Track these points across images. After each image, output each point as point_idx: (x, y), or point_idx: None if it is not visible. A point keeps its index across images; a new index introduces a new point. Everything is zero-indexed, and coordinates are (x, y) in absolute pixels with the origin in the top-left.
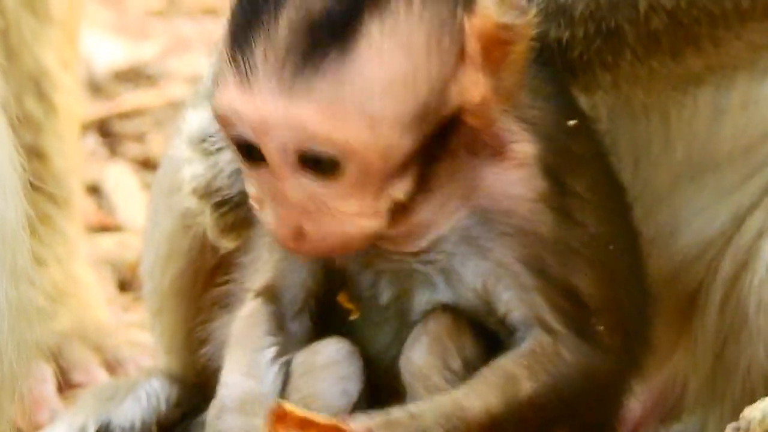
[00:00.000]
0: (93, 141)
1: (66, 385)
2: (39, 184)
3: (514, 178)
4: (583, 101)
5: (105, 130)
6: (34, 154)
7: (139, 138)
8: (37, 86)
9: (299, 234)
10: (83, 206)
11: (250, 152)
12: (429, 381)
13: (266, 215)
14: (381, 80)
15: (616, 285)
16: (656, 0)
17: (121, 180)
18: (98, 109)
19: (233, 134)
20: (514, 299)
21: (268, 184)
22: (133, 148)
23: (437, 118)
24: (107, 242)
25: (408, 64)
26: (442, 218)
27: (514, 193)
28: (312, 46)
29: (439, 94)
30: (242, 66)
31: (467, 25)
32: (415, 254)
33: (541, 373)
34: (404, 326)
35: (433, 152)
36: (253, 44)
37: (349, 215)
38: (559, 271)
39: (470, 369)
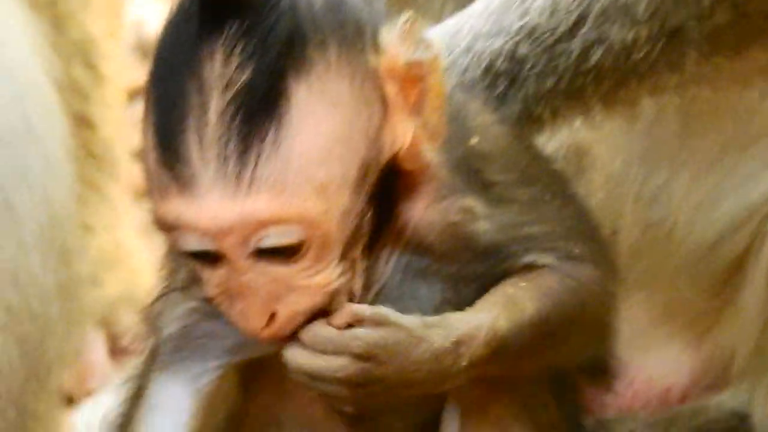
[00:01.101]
0: (142, 106)
1: (116, 351)
2: (87, 152)
3: (434, 208)
4: (649, 104)
5: None
6: (82, 123)
7: None
8: (84, 55)
9: (270, 319)
10: (132, 173)
11: (204, 256)
12: None
13: (231, 309)
14: (322, 145)
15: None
16: None
17: None
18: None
19: (182, 244)
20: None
21: (228, 281)
22: None
23: (377, 169)
24: None
25: (342, 122)
26: (379, 270)
27: (435, 220)
28: (246, 129)
29: (375, 144)
30: (180, 173)
31: (380, 69)
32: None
33: (542, 296)
34: None
35: (376, 205)
36: (188, 147)
37: (318, 287)
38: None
39: None
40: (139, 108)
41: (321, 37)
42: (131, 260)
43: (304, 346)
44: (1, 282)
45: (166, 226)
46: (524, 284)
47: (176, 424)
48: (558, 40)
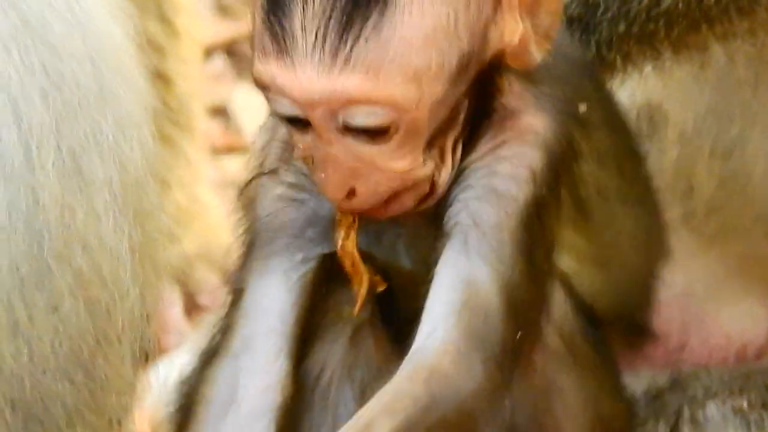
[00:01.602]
0: (220, 62)
1: (192, 308)
2: (163, 108)
3: (510, 142)
4: (719, 50)
5: (232, 51)
6: (158, 78)
7: None
8: (159, 10)
9: (351, 193)
10: (210, 128)
11: (295, 121)
12: None
13: (316, 174)
14: (423, 32)
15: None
16: None
17: (247, 101)
18: (225, 30)
19: (275, 106)
20: (432, 295)
21: (316, 148)
22: None
23: (479, 65)
24: (234, 164)
25: (448, 12)
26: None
27: (505, 154)
28: (351, 7)
29: (480, 39)
30: (281, 37)
31: None
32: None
33: (404, 409)
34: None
35: (472, 102)
36: (292, 14)
37: (400, 172)
38: (504, 248)
39: None
40: (215, 63)
41: None
42: (208, 216)
43: None
44: (71, 247)
45: (262, 85)
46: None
47: (275, 318)
48: None
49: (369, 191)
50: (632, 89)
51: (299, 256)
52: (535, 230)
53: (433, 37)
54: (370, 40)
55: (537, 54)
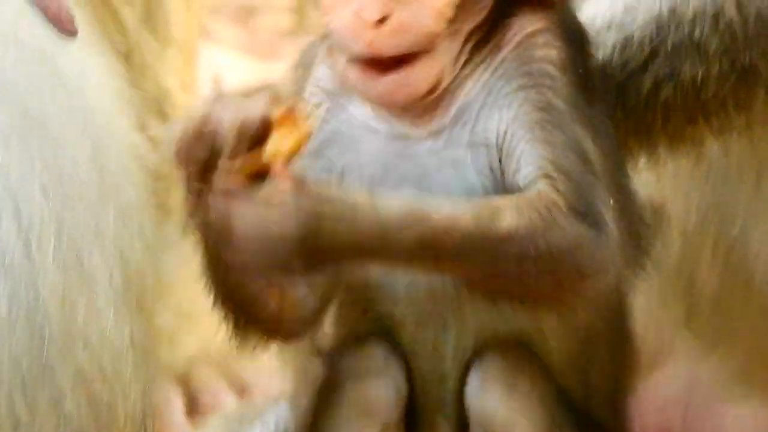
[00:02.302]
0: None
1: (194, 409)
2: (163, 207)
3: (534, 31)
4: (715, 144)
5: None
6: (158, 178)
7: None
8: (160, 108)
9: (382, 21)
10: None
11: None
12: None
13: (342, 16)
14: None
15: (619, 186)
16: None
17: None
18: None
19: None
20: (525, 154)
21: None
22: None
23: None
24: None
25: None
26: (472, 79)
27: (533, 43)
28: None
29: None
30: None
31: None
32: (436, 136)
33: (530, 213)
34: None
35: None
36: None
37: (435, 9)
38: (569, 134)
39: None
40: None
41: None
42: (210, 317)
43: (247, 204)
44: (72, 341)
45: None
46: (516, 201)
47: None
48: (629, 76)
49: (403, 21)
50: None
51: None
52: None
53: None
54: None
55: None
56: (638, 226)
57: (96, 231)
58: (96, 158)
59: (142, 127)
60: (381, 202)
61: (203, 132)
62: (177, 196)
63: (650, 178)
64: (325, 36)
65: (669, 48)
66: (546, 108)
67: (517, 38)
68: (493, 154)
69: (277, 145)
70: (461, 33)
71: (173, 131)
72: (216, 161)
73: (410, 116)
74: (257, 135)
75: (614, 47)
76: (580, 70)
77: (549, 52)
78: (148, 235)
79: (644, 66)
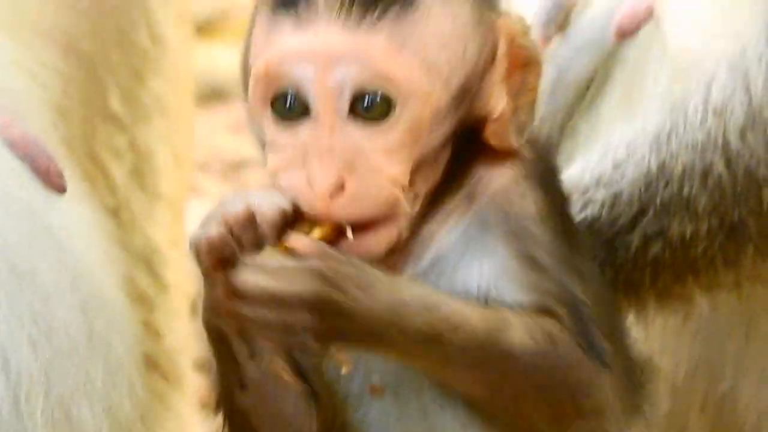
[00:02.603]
0: None
1: None
2: (152, 363)
3: (511, 181)
4: (704, 302)
5: None
6: (147, 332)
7: None
8: (148, 264)
9: (337, 190)
10: (199, 383)
11: (292, 107)
12: None
13: (291, 179)
14: (438, 35)
15: (609, 317)
16: None
17: None
18: None
19: (278, 87)
20: (519, 292)
21: (307, 139)
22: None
23: (470, 109)
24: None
25: (458, 30)
26: (445, 228)
27: (511, 194)
28: None
29: (478, 80)
30: (301, 10)
31: (496, 23)
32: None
33: (538, 335)
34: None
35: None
36: None
37: (390, 178)
38: (557, 274)
39: None
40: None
41: None
42: None
43: (265, 267)
44: None
45: (268, 70)
46: (526, 320)
47: None
48: (618, 233)
49: (358, 191)
50: None
51: None
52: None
53: (448, 44)
54: (393, 18)
55: (514, 138)
56: (634, 373)
57: (85, 387)
58: (85, 314)
59: (132, 283)
60: (398, 284)
61: (245, 224)
62: (166, 350)
63: (639, 334)
64: None
65: (658, 205)
66: (530, 262)
67: (492, 189)
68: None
69: (305, 232)
70: (422, 193)
71: (200, 231)
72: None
73: (379, 266)
74: (287, 224)
75: (603, 204)
76: (559, 216)
77: (526, 205)
78: (138, 391)
79: (633, 223)
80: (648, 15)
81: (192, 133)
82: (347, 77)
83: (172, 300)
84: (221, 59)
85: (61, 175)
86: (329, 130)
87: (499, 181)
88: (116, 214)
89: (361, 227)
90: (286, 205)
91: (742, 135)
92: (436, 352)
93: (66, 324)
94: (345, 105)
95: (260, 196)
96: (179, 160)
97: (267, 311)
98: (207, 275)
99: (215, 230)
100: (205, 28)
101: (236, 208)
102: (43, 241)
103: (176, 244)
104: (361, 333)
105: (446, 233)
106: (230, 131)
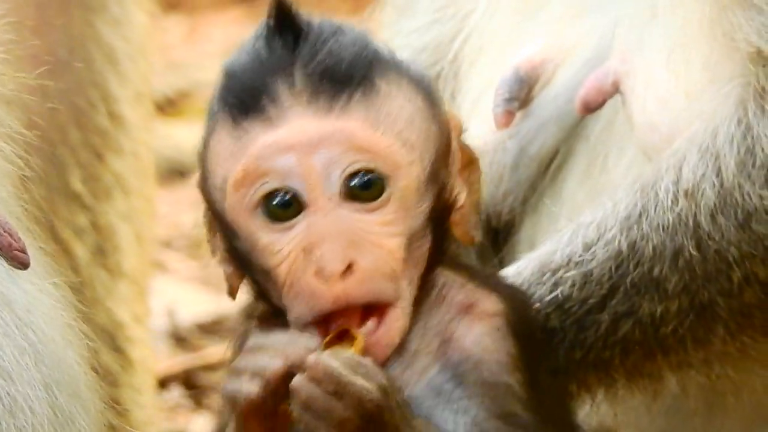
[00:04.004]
0: (178, 393)
1: None
2: None
3: (484, 332)
4: (673, 380)
5: (190, 382)
6: (112, 408)
7: None
8: (112, 340)
9: (347, 271)
10: None
11: (283, 204)
12: None
13: (299, 275)
14: (404, 114)
15: None
16: (751, 271)
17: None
18: (183, 361)
19: (264, 187)
20: None
21: (307, 232)
22: (218, 400)
23: (440, 193)
24: None
25: (419, 114)
26: (414, 376)
27: (484, 347)
28: (336, 85)
29: (443, 165)
30: (268, 110)
31: (449, 118)
32: None
33: None
34: None
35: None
36: (277, 94)
37: (390, 251)
38: (533, 428)
39: None
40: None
41: (394, 63)
42: None
43: (317, 378)
44: None
45: (250, 171)
46: None
47: None
48: (588, 312)
49: (367, 267)
50: (585, 415)
51: None
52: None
53: (413, 122)
54: (364, 99)
55: (475, 231)
56: None
57: None
58: (48, 390)
59: (96, 359)
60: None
61: (284, 381)
62: (131, 425)
63: (605, 410)
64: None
65: (629, 285)
66: (504, 415)
67: (467, 340)
68: None
69: None
70: (414, 280)
71: (236, 386)
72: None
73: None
74: None
75: (574, 284)
76: (533, 363)
77: (499, 356)
78: None
79: (603, 302)
80: (614, 90)
81: (153, 211)
82: (332, 158)
83: (136, 375)
84: (184, 137)
85: (24, 251)
86: (325, 216)
87: (474, 331)
88: (79, 291)
89: (369, 317)
90: (315, 344)
91: (713, 217)
92: None
93: (29, 401)
94: (336, 188)
95: (287, 341)
96: (141, 238)
97: (326, 396)
98: (243, 423)
99: (254, 390)
100: (167, 107)
101: (274, 366)
102: (5, 319)
103: (140, 320)
104: None
105: (416, 380)
106: (193, 208)
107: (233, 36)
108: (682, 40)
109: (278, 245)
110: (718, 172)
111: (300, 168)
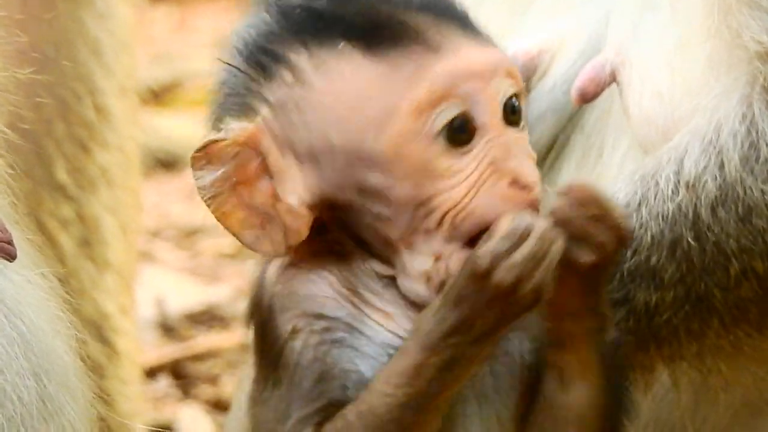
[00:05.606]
0: (166, 382)
1: None
2: (105, 429)
3: None
4: (665, 372)
5: (178, 372)
6: (99, 399)
7: (212, 380)
8: (99, 331)
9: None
10: None
11: (462, 129)
12: None
13: (488, 189)
14: None
15: None
16: (749, 264)
17: (194, 421)
18: (171, 351)
19: (446, 112)
20: None
21: (494, 150)
22: (206, 390)
23: None
24: None
25: None
26: None
27: None
28: (468, 19)
29: None
30: (430, 37)
31: None
32: None
33: None
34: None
35: None
36: (428, 19)
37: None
38: None
39: None
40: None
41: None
42: None
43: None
44: None
45: (433, 103)
46: None
47: None
48: None
49: (538, 183)
50: None
51: None
52: None
53: None
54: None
55: None
56: None
57: None
58: (37, 379)
59: (83, 350)
60: None
61: None
62: (118, 416)
63: None
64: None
65: (624, 272)
66: None
67: None
68: None
69: None
70: None
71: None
72: None
73: None
74: None
75: None
76: None
77: None
78: None
79: None
80: (611, 80)
81: (139, 203)
82: (500, 85)
83: (122, 367)
84: (173, 127)
85: (11, 242)
86: (500, 134)
87: None
88: (66, 282)
89: None
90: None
91: (714, 209)
92: None
93: (18, 391)
94: (500, 113)
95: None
96: (127, 230)
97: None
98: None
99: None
100: (156, 97)
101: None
102: None
103: (126, 312)
104: None
105: None
106: (183, 198)
107: (222, 27)
108: (681, 33)
109: (458, 166)
110: (721, 166)
111: (482, 94)
